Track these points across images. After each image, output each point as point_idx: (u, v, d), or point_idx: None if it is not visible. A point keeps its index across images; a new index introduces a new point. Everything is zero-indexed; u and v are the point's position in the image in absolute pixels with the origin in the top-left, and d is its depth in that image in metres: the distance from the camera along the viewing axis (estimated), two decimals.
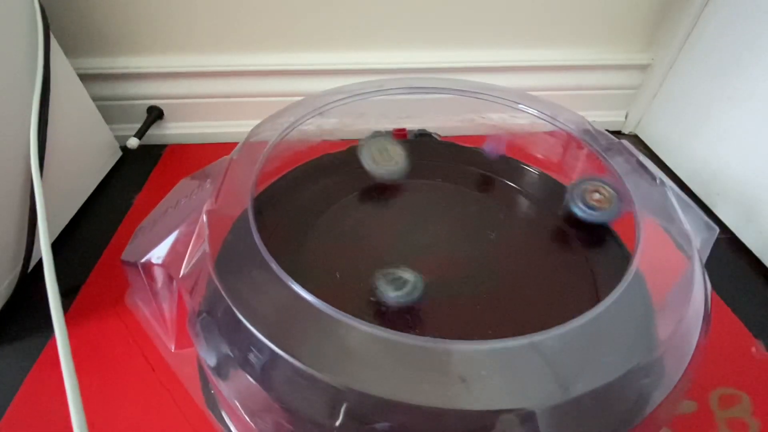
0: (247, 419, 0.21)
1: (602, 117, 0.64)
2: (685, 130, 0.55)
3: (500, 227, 0.32)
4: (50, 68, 0.40)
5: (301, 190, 0.34)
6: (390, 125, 0.42)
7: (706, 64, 0.52)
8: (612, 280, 0.21)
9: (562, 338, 0.19)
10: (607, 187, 0.30)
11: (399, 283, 0.24)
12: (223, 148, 0.57)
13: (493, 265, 0.30)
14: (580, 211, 0.30)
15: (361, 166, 0.34)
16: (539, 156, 0.38)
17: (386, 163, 0.34)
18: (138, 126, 0.54)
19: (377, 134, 0.37)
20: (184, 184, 0.30)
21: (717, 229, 0.27)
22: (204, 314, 0.22)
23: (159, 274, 0.26)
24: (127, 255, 0.27)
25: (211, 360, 0.21)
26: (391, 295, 0.24)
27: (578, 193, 0.31)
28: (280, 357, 0.19)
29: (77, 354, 0.22)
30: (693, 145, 0.54)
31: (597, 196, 0.30)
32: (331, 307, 0.19)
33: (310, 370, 0.18)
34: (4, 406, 0.30)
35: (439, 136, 0.43)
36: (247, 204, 0.25)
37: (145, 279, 0.26)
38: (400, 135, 0.41)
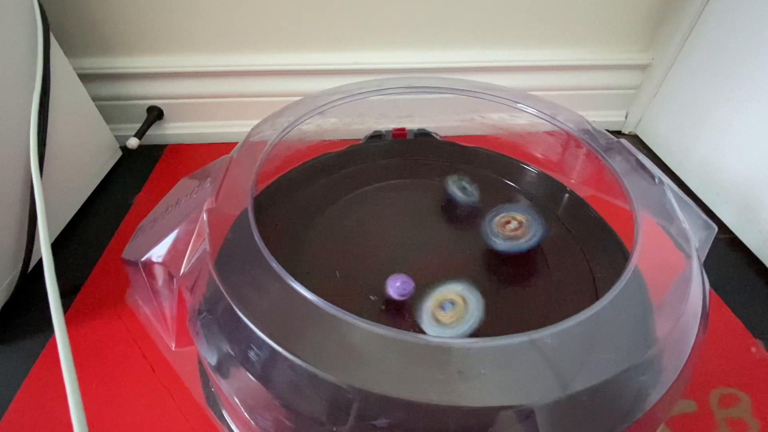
0: (248, 417, 0.21)
1: (602, 117, 0.65)
2: (685, 130, 0.55)
3: None
4: (50, 68, 0.40)
5: (301, 189, 0.34)
6: (390, 125, 0.42)
7: (706, 64, 0.52)
8: (611, 279, 0.22)
9: (560, 336, 0.19)
10: (519, 215, 0.29)
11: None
12: (223, 147, 0.57)
13: (492, 263, 0.30)
14: (496, 245, 0.29)
15: (359, 165, 0.34)
16: (539, 155, 0.39)
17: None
18: (138, 126, 0.54)
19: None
20: (185, 183, 0.30)
21: (715, 228, 0.27)
22: (204, 312, 0.22)
23: (159, 273, 0.26)
24: (127, 254, 0.27)
25: (211, 358, 0.21)
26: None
27: (491, 226, 0.30)
28: (281, 355, 0.19)
29: (77, 354, 0.22)
30: (693, 145, 0.54)
31: (511, 226, 0.29)
32: (331, 305, 0.19)
33: (310, 368, 0.18)
34: (4, 406, 0.30)
35: (439, 135, 0.43)
36: (248, 203, 0.25)
37: (145, 277, 0.26)
38: (399, 134, 0.41)
